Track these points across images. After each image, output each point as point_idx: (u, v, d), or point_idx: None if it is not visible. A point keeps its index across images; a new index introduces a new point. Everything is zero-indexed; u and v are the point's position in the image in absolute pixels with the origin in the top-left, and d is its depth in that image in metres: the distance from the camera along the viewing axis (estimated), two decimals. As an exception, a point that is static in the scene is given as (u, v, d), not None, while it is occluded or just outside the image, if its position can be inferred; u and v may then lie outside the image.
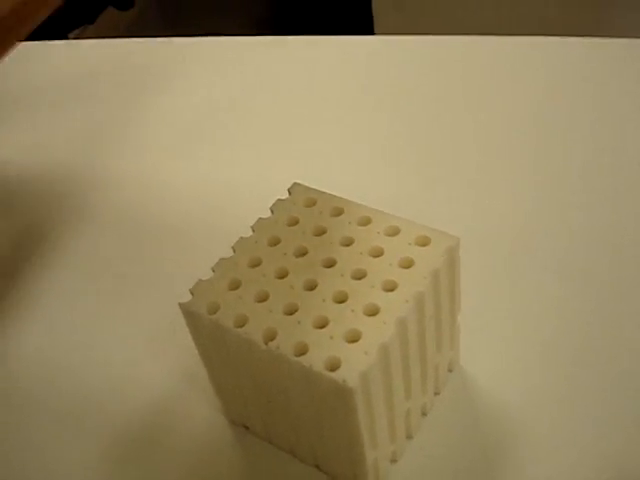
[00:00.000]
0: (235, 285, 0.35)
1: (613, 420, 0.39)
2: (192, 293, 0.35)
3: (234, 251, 0.37)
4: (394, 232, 0.36)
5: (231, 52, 0.59)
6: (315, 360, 0.31)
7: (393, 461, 0.38)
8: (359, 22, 1.43)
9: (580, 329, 0.43)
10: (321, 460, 0.38)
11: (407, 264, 0.35)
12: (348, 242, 0.36)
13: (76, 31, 1.67)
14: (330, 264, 0.35)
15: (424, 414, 0.40)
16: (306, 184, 0.40)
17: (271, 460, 0.39)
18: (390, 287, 0.34)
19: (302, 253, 0.36)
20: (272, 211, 0.39)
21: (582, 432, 0.39)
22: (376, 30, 1.45)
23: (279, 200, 0.39)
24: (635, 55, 0.62)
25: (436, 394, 0.41)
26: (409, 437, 0.39)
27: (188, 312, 0.35)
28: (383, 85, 0.65)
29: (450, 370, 0.42)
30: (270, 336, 0.33)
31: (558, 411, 0.40)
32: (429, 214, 0.41)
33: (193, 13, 1.79)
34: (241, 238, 0.38)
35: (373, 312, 0.33)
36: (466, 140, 0.58)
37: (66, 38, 1.45)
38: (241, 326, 0.33)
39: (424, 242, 0.35)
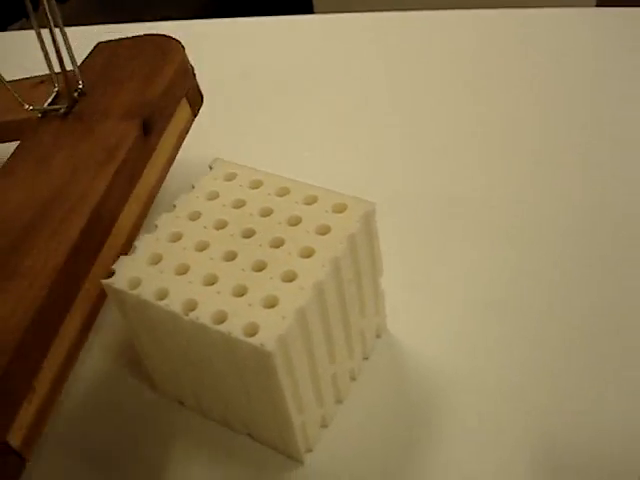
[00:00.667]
0: (156, 260, 0.36)
1: (536, 369, 0.40)
2: (114, 270, 0.35)
3: (156, 227, 0.37)
4: (312, 201, 0.37)
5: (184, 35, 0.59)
6: (234, 327, 0.32)
7: (323, 426, 0.39)
8: (298, 3, 1.44)
9: (500, 286, 0.45)
10: (252, 428, 0.38)
11: (324, 231, 0.35)
12: (267, 213, 0.37)
13: (16, 24, 1.64)
14: (249, 235, 0.36)
15: (353, 379, 0.41)
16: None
17: (205, 433, 0.40)
18: (307, 254, 0.34)
19: (222, 226, 0.37)
20: (193, 186, 0.39)
21: (507, 391, 0.40)
22: (315, 10, 1.48)
23: (201, 175, 0.40)
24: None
25: (365, 359, 0.42)
26: (339, 402, 0.40)
27: (111, 289, 0.35)
28: (331, 63, 0.65)
29: (378, 336, 0.42)
30: (190, 307, 0.33)
31: (485, 369, 0.41)
32: (352, 183, 0.42)
33: (133, 2, 1.77)
34: (163, 214, 0.38)
35: (290, 278, 0.34)
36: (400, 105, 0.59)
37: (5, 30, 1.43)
38: (162, 299, 0.34)
39: (341, 209, 0.36)
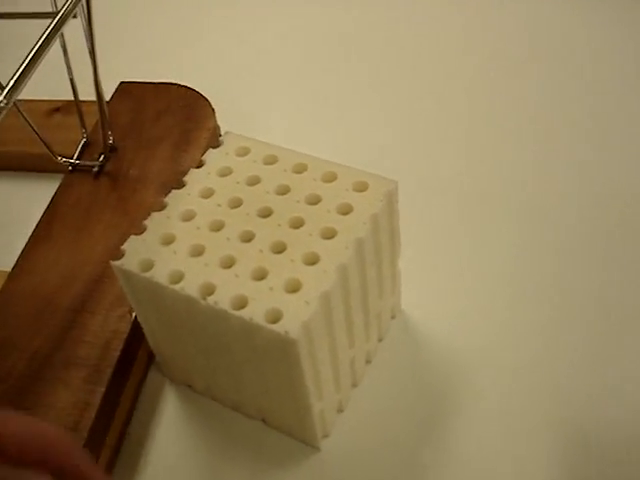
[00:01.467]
0: (169, 240, 0.34)
1: (552, 354, 0.39)
2: (124, 251, 0.34)
3: (166, 205, 0.35)
4: (331, 178, 0.35)
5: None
6: (256, 313, 0.30)
7: (339, 411, 0.38)
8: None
9: (518, 270, 0.43)
10: (267, 414, 0.37)
11: (345, 210, 0.34)
12: (284, 191, 0.35)
13: None
14: (266, 214, 0.34)
15: (368, 361, 0.39)
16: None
17: (216, 417, 0.39)
18: (329, 234, 0.33)
19: (237, 204, 0.35)
20: (203, 161, 0.37)
21: (523, 369, 0.39)
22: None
23: (211, 150, 0.38)
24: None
25: (379, 341, 0.40)
26: (354, 385, 0.39)
27: (121, 271, 0.33)
28: (350, 35, 0.63)
29: (393, 316, 0.41)
30: (208, 291, 0.32)
31: (499, 349, 0.40)
32: (373, 159, 0.40)
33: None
34: (172, 191, 0.36)
35: (313, 261, 0.32)
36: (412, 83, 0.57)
37: None
38: (177, 282, 0.32)
39: (362, 187, 0.35)
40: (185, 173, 0.45)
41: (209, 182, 0.36)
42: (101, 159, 0.47)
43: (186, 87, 0.52)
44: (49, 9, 0.39)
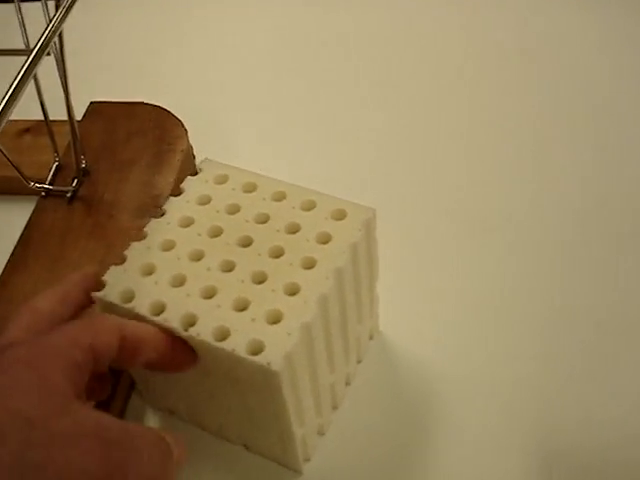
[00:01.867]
0: (149, 270, 0.34)
1: (527, 368, 0.40)
2: (105, 282, 0.34)
3: (146, 234, 0.36)
4: (310, 206, 0.36)
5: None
6: (238, 344, 0.31)
7: (320, 434, 0.38)
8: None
9: (494, 293, 0.44)
10: (249, 440, 0.37)
11: (325, 239, 0.34)
12: (264, 219, 0.35)
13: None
14: (247, 243, 0.35)
15: (348, 383, 0.40)
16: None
17: (198, 442, 0.39)
18: (309, 264, 0.33)
19: (217, 233, 0.35)
20: (182, 189, 0.37)
21: (500, 389, 0.40)
22: None
23: (189, 177, 0.38)
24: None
25: (358, 362, 0.41)
26: (334, 408, 0.39)
27: (102, 302, 0.33)
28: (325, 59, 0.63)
29: (371, 337, 0.42)
30: (190, 322, 0.32)
31: (476, 368, 0.41)
32: (347, 186, 0.40)
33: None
34: (152, 220, 0.36)
35: (294, 291, 0.32)
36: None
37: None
38: (159, 314, 0.32)
39: (340, 215, 0.35)
40: (160, 196, 0.45)
41: (188, 211, 0.36)
42: (74, 184, 0.47)
43: (157, 107, 0.52)
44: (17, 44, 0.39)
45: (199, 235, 0.35)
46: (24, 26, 0.42)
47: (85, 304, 0.34)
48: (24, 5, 0.43)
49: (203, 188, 0.37)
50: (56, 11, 0.38)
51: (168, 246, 0.35)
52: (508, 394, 0.40)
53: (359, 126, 0.56)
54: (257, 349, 0.30)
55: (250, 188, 0.37)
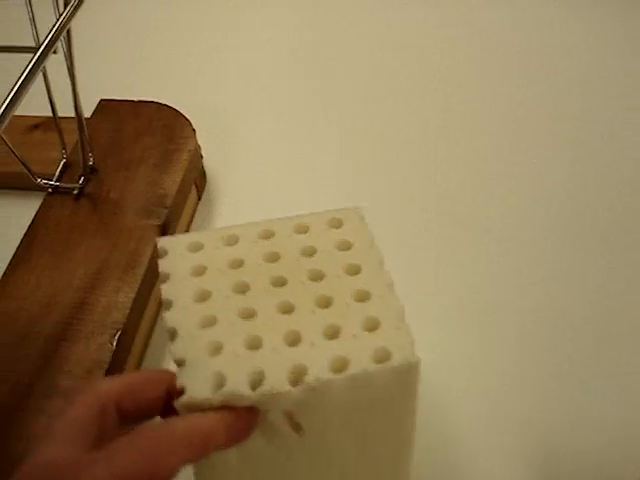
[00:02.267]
0: (215, 351, 0.29)
1: (520, 373, 0.41)
2: (182, 387, 0.27)
3: (177, 333, 0.29)
4: (303, 230, 0.33)
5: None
6: (361, 363, 0.28)
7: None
8: None
9: (483, 288, 0.45)
10: None
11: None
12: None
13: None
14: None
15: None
16: None
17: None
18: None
19: (244, 289, 0.31)
20: (168, 276, 0.31)
21: (494, 385, 0.40)
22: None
23: (161, 262, 0.32)
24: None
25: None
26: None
27: (192, 404, 0.27)
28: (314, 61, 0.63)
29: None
30: (301, 372, 0.28)
31: (467, 366, 0.41)
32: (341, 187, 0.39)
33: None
34: (176, 316, 0.30)
35: (363, 298, 0.30)
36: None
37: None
38: (255, 388, 0.27)
39: (337, 224, 0.33)
40: (166, 196, 0.45)
41: (195, 286, 0.31)
42: (81, 181, 0.47)
43: (167, 106, 0.52)
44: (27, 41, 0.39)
45: (228, 297, 0.30)
46: (34, 23, 0.42)
47: (152, 405, 0.28)
48: (35, 2, 0.42)
49: (186, 262, 0.32)
50: (64, 8, 0.38)
51: (208, 323, 0.30)
52: (502, 394, 0.40)
53: (359, 126, 0.56)
54: (383, 357, 0.28)
55: (232, 241, 0.33)
